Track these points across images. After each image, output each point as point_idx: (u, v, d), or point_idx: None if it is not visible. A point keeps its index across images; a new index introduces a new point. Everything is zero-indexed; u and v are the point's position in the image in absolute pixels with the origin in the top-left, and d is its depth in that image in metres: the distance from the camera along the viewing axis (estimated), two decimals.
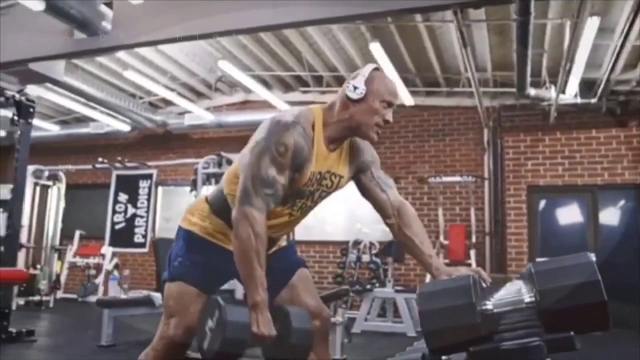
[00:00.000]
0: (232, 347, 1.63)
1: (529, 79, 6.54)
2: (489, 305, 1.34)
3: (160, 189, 9.71)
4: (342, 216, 8.60)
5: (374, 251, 7.54)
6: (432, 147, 8.65)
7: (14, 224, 4.71)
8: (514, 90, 7.11)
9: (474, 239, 7.85)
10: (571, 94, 7.15)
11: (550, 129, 7.71)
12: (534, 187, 7.62)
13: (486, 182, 8.18)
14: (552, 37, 6.39)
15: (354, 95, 1.79)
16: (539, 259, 1.41)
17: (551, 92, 7.10)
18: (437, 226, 8.07)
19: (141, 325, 5.04)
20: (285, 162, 1.72)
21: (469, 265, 7.58)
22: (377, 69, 1.86)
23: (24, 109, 4.72)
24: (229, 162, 6.58)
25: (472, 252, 7.65)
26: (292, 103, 8.76)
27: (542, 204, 7.64)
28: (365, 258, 7.67)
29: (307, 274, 2.06)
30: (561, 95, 7.03)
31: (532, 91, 6.99)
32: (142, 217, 8.88)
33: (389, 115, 1.82)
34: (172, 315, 1.86)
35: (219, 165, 6.56)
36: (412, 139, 8.76)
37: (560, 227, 7.69)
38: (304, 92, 8.96)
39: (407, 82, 7.94)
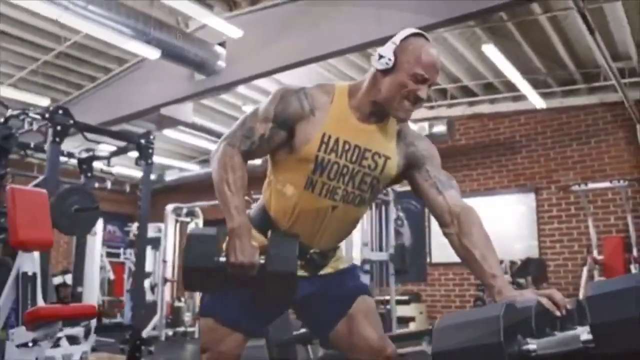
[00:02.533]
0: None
1: None
2: (532, 345, 0.98)
3: None
4: None
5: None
6: (575, 151, 7.74)
7: (138, 259, 4.97)
8: None
9: (635, 252, 6.80)
10: None
11: None
12: None
13: None
14: None
15: (379, 66, 1.55)
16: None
17: None
18: (589, 239, 7.14)
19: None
20: (268, 115, 1.61)
21: None
22: (416, 34, 1.57)
23: (144, 150, 4.98)
24: None
25: (634, 267, 6.62)
26: (418, 120, 8.43)
27: None
28: (506, 278, 6.98)
29: (368, 303, 1.75)
30: None
31: None
32: None
33: (422, 92, 1.53)
34: (204, 350, 1.69)
35: None
36: (552, 145, 7.92)
37: None
38: (430, 107, 8.59)
39: (537, 84, 7.23)
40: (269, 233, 1.61)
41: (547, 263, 7.32)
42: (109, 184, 11.24)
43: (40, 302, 2.64)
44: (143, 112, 7.31)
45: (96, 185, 9.99)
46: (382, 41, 5.35)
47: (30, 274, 2.38)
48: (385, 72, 1.55)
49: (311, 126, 1.59)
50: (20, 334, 2.29)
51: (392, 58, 1.53)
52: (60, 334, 2.79)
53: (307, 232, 1.65)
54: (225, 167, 1.59)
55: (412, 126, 8.13)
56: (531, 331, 1.06)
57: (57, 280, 7.43)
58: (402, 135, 1.69)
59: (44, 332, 2.29)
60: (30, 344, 2.27)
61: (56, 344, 2.76)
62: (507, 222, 7.94)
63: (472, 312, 1.05)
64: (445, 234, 1.62)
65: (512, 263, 7.01)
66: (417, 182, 1.68)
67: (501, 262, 6.97)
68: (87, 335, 2.94)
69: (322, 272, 1.73)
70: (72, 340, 2.97)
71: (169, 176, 11.16)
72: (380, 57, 1.55)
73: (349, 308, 1.70)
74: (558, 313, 1.25)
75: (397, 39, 1.56)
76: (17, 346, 2.25)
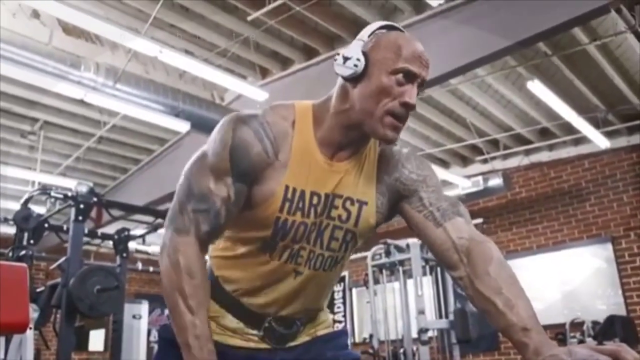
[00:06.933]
0: None
1: None
2: None
3: (354, 290, 9.32)
4: (555, 291, 7.21)
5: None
6: None
7: None
8: None
9: None
10: None
11: None
12: None
13: None
14: None
15: (345, 71, 1.12)
16: None
17: None
18: None
19: None
20: (224, 165, 1.13)
21: None
22: (389, 27, 1.17)
23: None
24: (399, 249, 5.93)
25: None
26: (473, 176, 7.91)
27: None
28: (591, 341, 6.13)
29: None
30: None
31: None
32: (340, 322, 8.62)
33: (410, 95, 1.09)
34: None
35: (387, 254, 5.93)
36: (624, 188, 7.15)
37: None
38: (483, 161, 8.07)
39: (599, 123, 6.62)
40: None
41: (636, 321, 6.39)
42: None
43: None
44: None
45: (151, 269, 9.95)
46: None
47: None
48: (354, 79, 1.12)
49: (274, 175, 1.15)
50: None
51: (362, 58, 1.11)
52: None
53: (262, 297, 1.24)
54: (177, 269, 1.11)
55: (465, 182, 7.58)
56: None
57: None
58: (383, 159, 1.25)
59: None
60: None
61: None
62: (584, 278, 7.14)
63: None
64: (455, 280, 1.16)
65: (595, 324, 6.17)
66: (409, 215, 1.23)
67: (582, 323, 6.28)
68: None
69: (294, 343, 1.29)
70: None
71: None
72: (345, 59, 1.12)
73: None
74: None
75: (363, 35, 1.15)
76: None
